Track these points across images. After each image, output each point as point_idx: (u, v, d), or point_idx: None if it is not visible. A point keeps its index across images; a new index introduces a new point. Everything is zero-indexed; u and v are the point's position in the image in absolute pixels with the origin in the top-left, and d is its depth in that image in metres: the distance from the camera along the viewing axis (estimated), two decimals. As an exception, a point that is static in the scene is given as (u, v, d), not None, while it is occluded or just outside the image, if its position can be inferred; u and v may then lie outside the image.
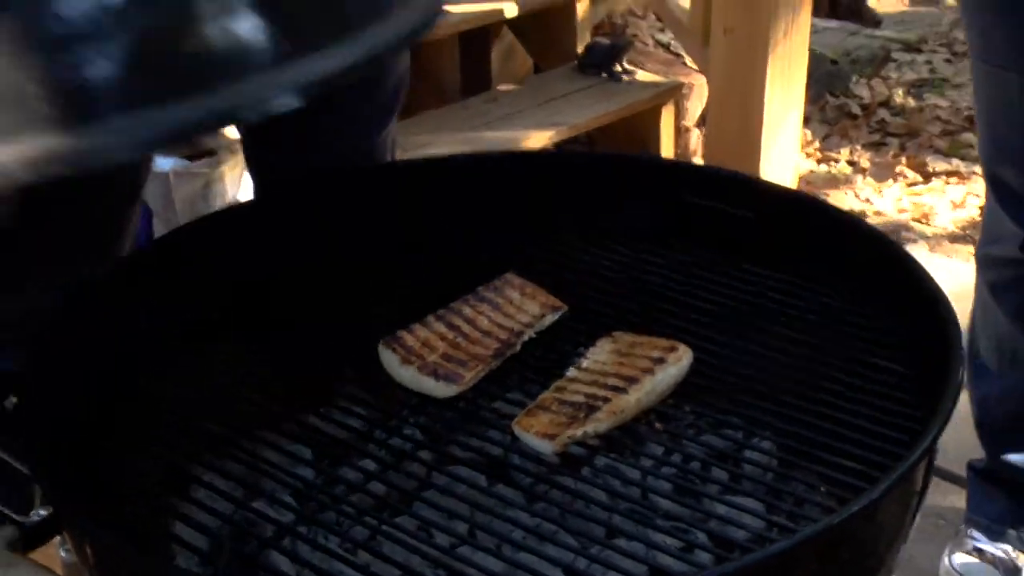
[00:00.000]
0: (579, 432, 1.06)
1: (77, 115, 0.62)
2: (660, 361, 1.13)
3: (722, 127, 3.16)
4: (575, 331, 1.24)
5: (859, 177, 3.39)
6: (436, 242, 1.36)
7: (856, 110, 3.79)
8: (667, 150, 3.43)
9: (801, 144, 3.38)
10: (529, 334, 1.22)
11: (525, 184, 1.42)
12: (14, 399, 1.06)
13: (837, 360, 1.16)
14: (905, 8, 4.66)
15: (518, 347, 1.21)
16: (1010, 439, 1.85)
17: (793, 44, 3.00)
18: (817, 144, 3.60)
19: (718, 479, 1.10)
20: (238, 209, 1.59)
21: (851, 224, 1.28)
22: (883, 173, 3.41)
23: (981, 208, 3.14)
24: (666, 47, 3.68)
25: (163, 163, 1.99)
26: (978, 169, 3.02)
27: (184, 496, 1.08)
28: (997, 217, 1.73)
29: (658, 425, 1.13)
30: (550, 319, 1.24)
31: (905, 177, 3.39)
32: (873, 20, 4.44)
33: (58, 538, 1.11)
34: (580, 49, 3.51)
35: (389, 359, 1.18)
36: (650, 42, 3.70)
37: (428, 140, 3.02)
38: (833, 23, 4.35)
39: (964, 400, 1.95)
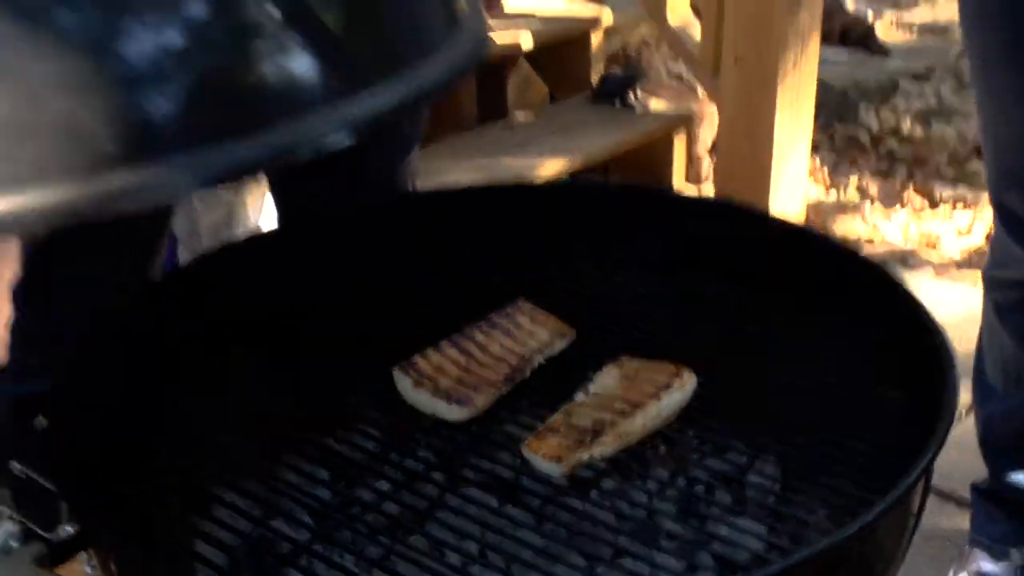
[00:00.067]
0: (586, 455, 1.08)
1: (139, 153, 0.64)
2: (665, 386, 1.14)
3: (733, 155, 3.17)
4: (583, 357, 1.25)
5: (867, 204, 3.38)
6: (451, 270, 1.37)
7: (865, 138, 3.79)
8: (679, 177, 3.43)
9: (810, 171, 3.38)
10: (539, 359, 1.24)
11: (538, 214, 1.44)
12: (44, 420, 1.08)
13: (837, 386, 1.18)
14: (913, 39, 4.66)
15: (528, 372, 1.22)
16: (1014, 458, 1.84)
17: (802, 74, 3.01)
18: (826, 171, 3.60)
19: (721, 502, 1.11)
20: (261, 237, 1.61)
21: (851, 256, 1.29)
22: (891, 200, 3.41)
23: (987, 235, 3.15)
24: (678, 77, 3.69)
25: (188, 191, 2.02)
26: (984, 196, 3.02)
27: (205, 514, 1.10)
28: (1004, 243, 1.73)
29: (663, 448, 1.14)
30: (559, 345, 1.26)
31: (913, 204, 3.39)
32: (882, 51, 4.45)
33: (83, 554, 1.13)
34: (595, 79, 3.52)
35: (404, 383, 1.20)
36: (663, 72, 3.70)
37: (446, 166, 3.03)
38: (843, 53, 4.36)
39: (969, 424, 1.95)
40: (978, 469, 1.91)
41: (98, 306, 1.36)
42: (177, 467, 1.14)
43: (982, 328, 1.86)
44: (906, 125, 3.86)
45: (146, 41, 0.65)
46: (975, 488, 1.94)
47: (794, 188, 3.16)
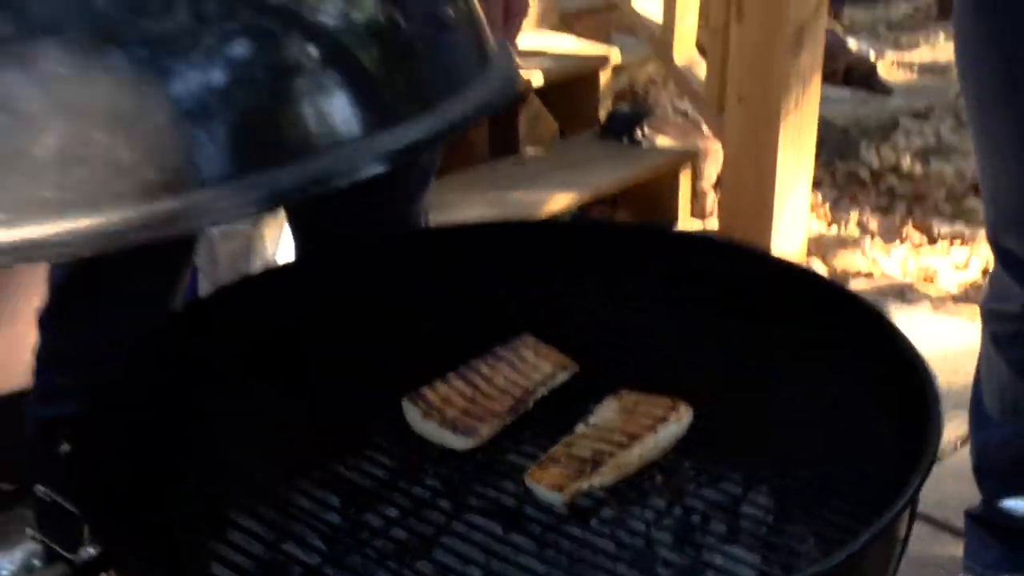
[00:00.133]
0: (586, 485, 1.10)
1: (185, 182, 0.68)
2: (662, 419, 1.16)
3: (737, 190, 3.18)
4: (585, 389, 1.27)
5: (867, 239, 3.38)
6: (459, 304, 1.39)
7: (865, 175, 3.79)
8: (684, 212, 3.43)
9: (812, 207, 3.38)
10: (542, 392, 1.26)
11: (544, 250, 1.45)
12: (67, 446, 1.10)
13: (830, 420, 1.19)
14: (914, 78, 4.66)
15: (531, 404, 1.24)
16: (1007, 486, 1.83)
17: (803, 113, 3.02)
18: (828, 207, 3.59)
19: (717, 531, 1.13)
20: (278, 270, 1.62)
21: (845, 294, 1.31)
22: (890, 235, 3.41)
23: (984, 270, 3.16)
24: (684, 114, 3.69)
25: (209, 224, 2.04)
26: (981, 233, 3.02)
27: (221, 538, 1.12)
28: (1001, 278, 1.73)
29: (660, 479, 1.16)
30: (561, 378, 1.28)
31: (911, 239, 3.39)
32: (884, 89, 4.45)
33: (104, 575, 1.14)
34: (603, 116, 3.52)
35: (412, 413, 1.22)
36: (669, 110, 3.70)
37: (459, 199, 3.04)
38: (845, 92, 4.35)
39: (964, 455, 1.95)
40: (972, 498, 1.91)
41: (123, 333, 1.38)
42: (194, 492, 1.16)
43: (980, 358, 1.86)
44: (906, 162, 3.86)
45: (208, 80, 0.69)
46: (969, 515, 1.93)
47: (796, 223, 3.17)
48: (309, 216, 1.63)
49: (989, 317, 1.78)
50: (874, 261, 3.26)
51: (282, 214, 2.10)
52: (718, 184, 3.39)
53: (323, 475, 1.20)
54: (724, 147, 3.22)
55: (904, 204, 3.62)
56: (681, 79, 3.33)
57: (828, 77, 4.32)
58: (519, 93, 1.15)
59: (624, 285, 1.41)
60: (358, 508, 1.16)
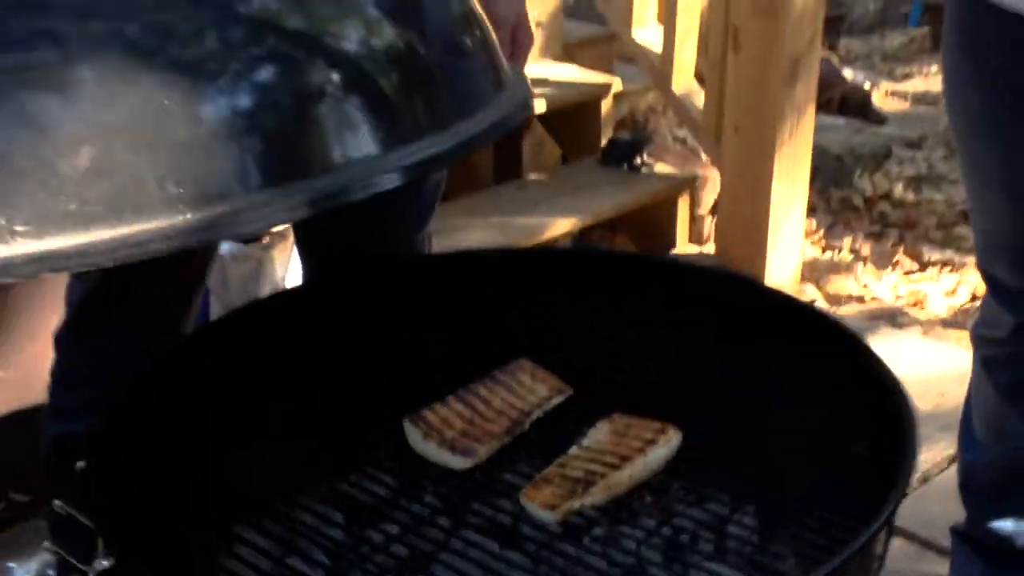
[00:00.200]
0: (577, 504, 1.12)
1: (215, 195, 0.72)
2: (651, 442, 1.18)
3: (733, 217, 3.19)
4: (579, 412, 1.29)
5: (860, 265, 3.39)
6: (460, 328, 1.40)
7: (859, 202, 3.79)
8: (682, 237, 3.44)
9: (806, 233, 3.38)
10: (537, 414, 1.28)
11: (543, 277, 1.47)
12: (83, 463, 1.11)
13: (814, 443, 1.21)
14: (907, 108, 4.67)
15: (527, 425, 1.26)
16: (991, 505, 1.83)
17: (798, 143, 3.04)
18: (822, 233, 3.60)
19: (704, 550, 1.15)
20: (286, 294, 1.65)
21: (831, 323, 1.32)
22: (882, 261, 3.41)
23: (973, 295, 3.17)
24: (683, 142, 3.69)
25: (221, 247, 2.06)
26: (970, 260, 3.02)
27: (229, 552, 1.14)
28: (991, 305, 1.74)
29: (649, 499, 1.18)
30: (556, 401, 1.30)
31: (902, 265, 3.39)
32: (878, 119, 4.45)
33: (118, 587, 1.16)
34: (604, 143, 3.53)
35: (413, 434, 1.24)
36: (668, 137, 3.71)
37: (464, 223, 3.05)
38: (841, 120, 4.36)
39: (950, 474, 1.96)
40: (958, 518, 1.91)
41: (138, 353, 1.40)
42: (204, 507, 1.18)
43: (971, 380, 1.87)
44: (898, 190, 3.86)
45: (233, 102, 0.74)
46: (954, 531, 1.93)
47: (790, 249, 3.18)
48: (317, 242, 1.64)
49: (979, 342, 1.79)
50: (866, 286, 3.27)
51: (291, 239, 2.12)
52: (715, 210, 3.40)
53: (327, 492, 1.22)
54: (721, 175, 3.24)
55: (896, 231, 3.62)
56: (680, 108, 3.35)
57: (824, 106, 4.35)
58: (530, 115, 1.20)
59: (620, 311, 1.42)
60: (360, 524, 1.18)
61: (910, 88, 4.91)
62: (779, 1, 2.86)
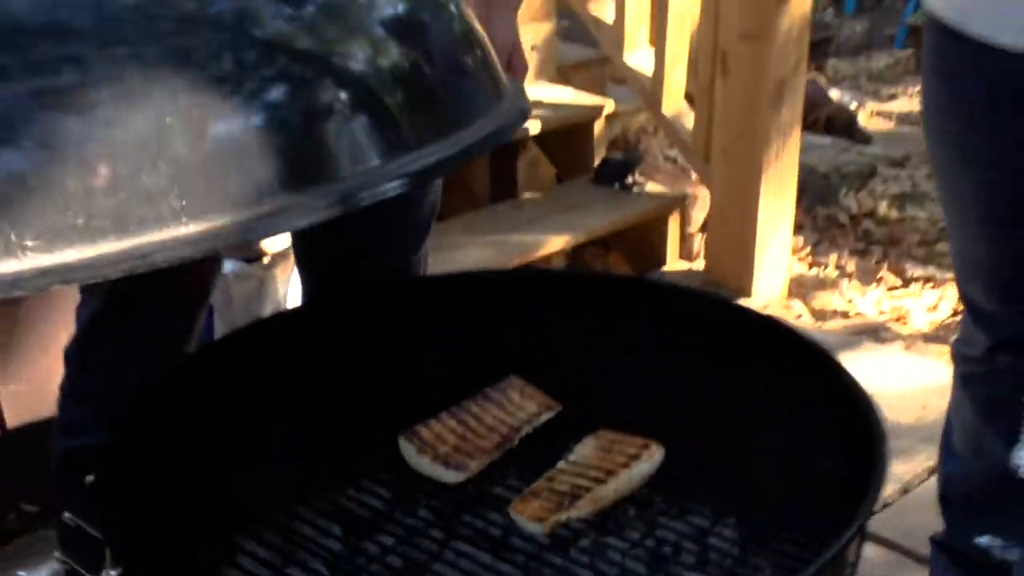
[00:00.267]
0: (564, 517, 1.14)
1: (219, 207, 0.75)
2: (635, 457, 1.20)
3: (722, 235, 3.22)
4: (566, 428, 1.31)
5: (845, 281, 3.41)
6: (453, 347, 1.42)
7: (844, 220, 3.82)
8: (673, 254, 3.45)
9: (793, 250, 3.40)
10: (527, 430, 1.30)
11: (535, 298, 1.48)
12: (92, 477, 1.12)
13: (790, 457, 1.23)
14: (892, 127, 4.69)
15: (517, 441, 1.28)
16: (970, 518, 1.84)
17: (784, 164, 3.07)
18: (808, 250, 3.62)
19: (686, 561, 1.17)
20: (286, 314, 1.67)
21: (809, 344, 1.33)
22: (866, 277, 3.43)
23: (954, 311, 3.19)
24: (673, 161, 3.71)
25: (225, 266, 2.09)
26: (951, 276, 3.03)
27: (231, 562, 1.15)
28: (968, 324, 1.75)
29: (633, 512, 1.21)
30: (545, 417, 1.32)
31: (886, 282, 3.40)
32: (864, 138, 4.47)
33: (125, 596, 1.17)
34: (597, 162, 3.54)
35: (408, 449, 1.26)
36: (659, 157, 3.73)
37: (461, 241, 3.07)
38: (827, 140, 4.38)
39: (930, 485, 1.97)
40: (938, 528, 1.92)
41: (144, 370, 1.42)
42: (208, 519, 1.19)
43: (951, 395, 1.88)
44: (882, 208, 3.88)
45: (240, 119, 0.77)
46: (934, 541, 1.92)
47: (777, 265, 3.20)
48: (317, 262, 1.66)
49: (959, 358, 1.80)
50: (851, 301, 3.28)
51: (292, 258, 2.14)
52: (705, 228, 3.41)
53: (325, 505, 1.23)
54: (710, 194, 3.26)
55: (880, 248, 3.64)
56: (670, 129, 3.36)
57: (811, 126, 4.37)
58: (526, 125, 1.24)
59: (606, 332, 1.44)
60: (357, 536, 1.19)
61: (895, 108, 4.93)
62: (765, 26, 2.89)
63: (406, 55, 0.87)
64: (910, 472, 2.35)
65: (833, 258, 3.57)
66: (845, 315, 3.21)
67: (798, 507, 1.18)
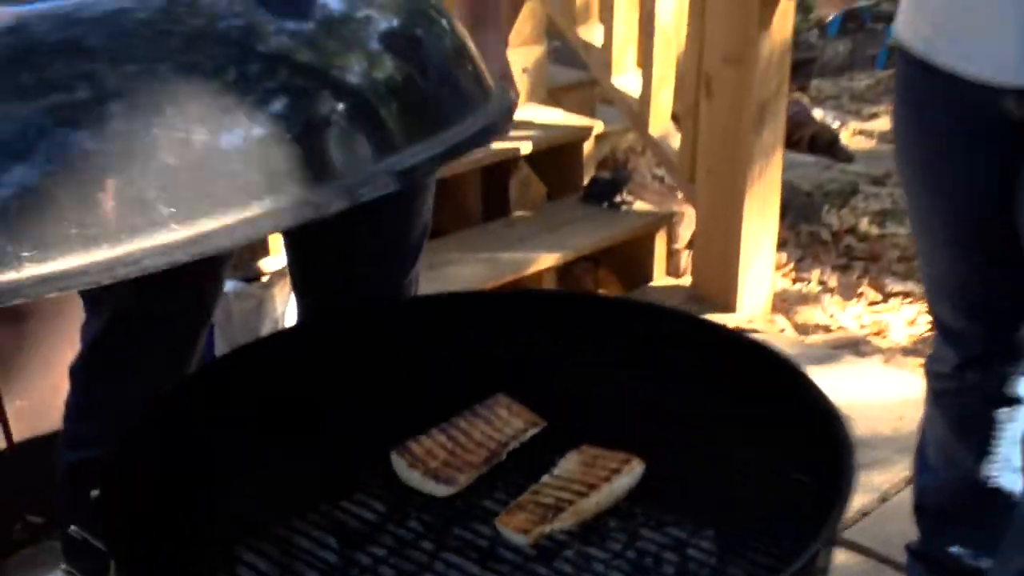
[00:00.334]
0: (548, 528, 1.17)
1: (209, 209, 0.77)
2: (617, 471, 1.23)
3: (707, 251, 3.24)
4: (551, 444, 1.33)
5: (827, 296, 3.43)
6: (445, 366, 1.44)
7: (826, 236, 3.84)
8: (660, 270, 3.46)
9: (777, 265, 3.42)
10: (514, 445, 1.32)
11: (524, 318, 1.50)
12: (97, 491, 1.14)
13: (767, 471, 1.25)
14: (874, 145, 4.72)
15: (504, 456, 1.30)
16: (943, 528, 1.87)
17: (766, 183, 3.10)
18: (792, 265, 3.64)
19: (666, 572, 1.19)
20: (284, 334, 1.69)
21: (783, 362, 1.35)
22: (848, 292, 3.45)
23: (931, 325, 3.20)
24: (660, 180, 3.74)
25: (226, 285, 2.12)
26: (929, 292, 3.07)
27: (232, 573, 1.17)
28: (939, 343, 1.78)
29: (614, 524, 1.23)
30: (531, 433, 1.34)
31: (867, 297, 3.43)
32: (846, 157, 4.49)
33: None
34: (586, 181, 3.56)
35: (399, 464, 1.28)
36: (647, 176, 3.75)
37: (454, 258, 3.10)
38: (811, 159, 4.40)
39: (909, 495, 1.99)
40: (915, 535, 1.94)
41: (148, 388, 1.43)
42: (208, 531, 1.22)
43: (924, 410, 1.89)
44: (863, 224, 3.89)
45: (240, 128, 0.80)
46: (909, 549, 1.95)
47: (761, 281, 3.23)
48: (312, 284, 1.67)
49: (930, 374, 1.83)
50: (832, 316, 3.30)
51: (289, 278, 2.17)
52: (691, 245, 3.44)
53: (321, 518, 1.25)
54: (696, 212, 3.29)
55: (861, 264, 3.66)
56: (657, 149, 3.39)
57: (795, 145, 4.40)
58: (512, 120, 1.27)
59: (590, 351, 1.46)
60: (351, 547, 1.21)
61: (876, 127, 4.95)
62: (748, 52, 2.92)
63: (399, 66, 0.89)
64: (888, 482, 2.38)
65: (816, 274, 3.59)
66: (827, 329, 3.24)
67: (773, 518, 1.20)
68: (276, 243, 2.33)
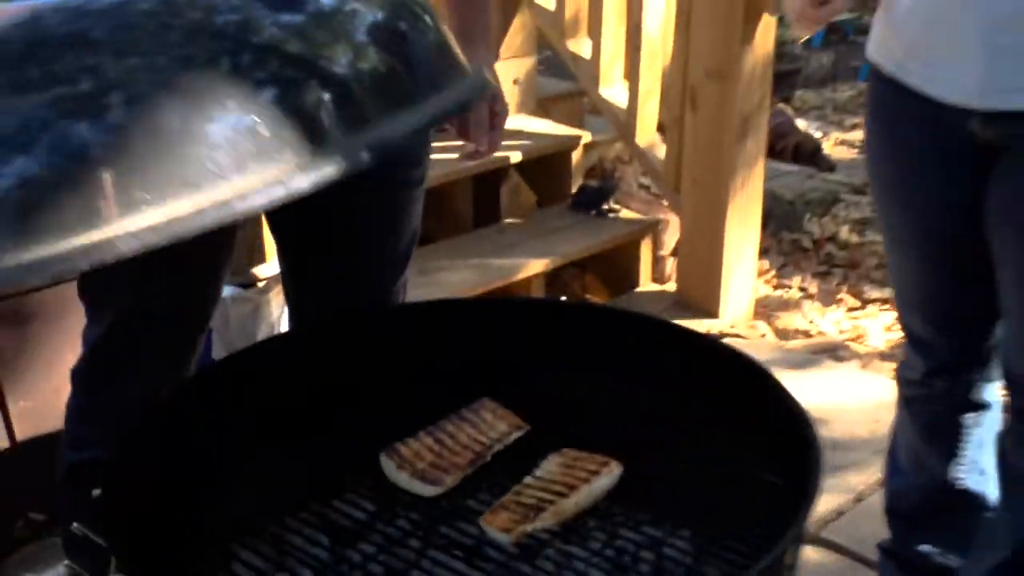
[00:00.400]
0: (529, 528, 1.19)
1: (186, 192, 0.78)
2: (596, 473, 1.25)
3: (692, 258, 3.28)
4: (534, 446, 1.34)
5: (807, 302, 3.46)
6: (431, 371, 1.46)
7: (808, 244, 3.87)
8: (645, 276, 3.49)
9: (760, 272, 3.45)
10: (498, 447, 1.33)
11: (510, 325, 1.52)
12: (98, 491, 1.16)
13: (739, 473, 1.28)
14: (855, 155, 4.75)
15: (489, 458, 1.32)
16: (913, 529, 1.90)
17: (749, 193, 3.13)
18: (774, 272, 3.66)
19: (643, 570, 1.21)
20: (277, 340, 1.71)
21: (757, 369, 1.36)
22: (828, 299, 3.48)
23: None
24: (647, 189, 3.76)
25: (224, 291, 2.14)
26: (906, 299, 3.09)
27: (227, 570, 1.19)
28: (909, 351, 1.80)
29: (593, 523, 1.25)
30: (515, 436, 1.36)
31: (846, 303, 3.45)
32: (828, 166, 4.52)
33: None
34: (575, 190, 3.59)
35: (388, 465, 1.30)
36: (634, 185, 3.77)
37: (446, 264, 3.13)
38: (794, 168, 4.43)
39: (883, 494, 2.02)
40: (887, 535, 1.98)
41: (147, 391, 1.45)
42: (205, 530, 1.23)
43: (895, 415, 1.92)
44: (843, 232, 3.92)
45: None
46: (881, 547, 1.98)
47: (744, 288, 3.26)
48: (304, 291, 1.69)
49: (901, 381, 1.86)
50: (812, 322, 3.33)
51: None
52: (676, 252, 3.47)
53: (313, 517, 1.27)
54: (681, 220, 3.32)
55: (841, 271, 3.68)
56: (643, 159, 3.42)
57: (779, 154, 4.43)
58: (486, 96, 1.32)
59: (573, 357, 1.48)
60: (342, 545, 1.23)
61: (858, 137, 4.97)
62: (731, 66, 2.95)
63: (385, 63, 0.91)
64: (863, 482, 2.41)
65: (797, 280, 3.62)
66: (807, 334, 3.26)
67: (747, 518, 1.22)
68: (272, 250, 2.36)
